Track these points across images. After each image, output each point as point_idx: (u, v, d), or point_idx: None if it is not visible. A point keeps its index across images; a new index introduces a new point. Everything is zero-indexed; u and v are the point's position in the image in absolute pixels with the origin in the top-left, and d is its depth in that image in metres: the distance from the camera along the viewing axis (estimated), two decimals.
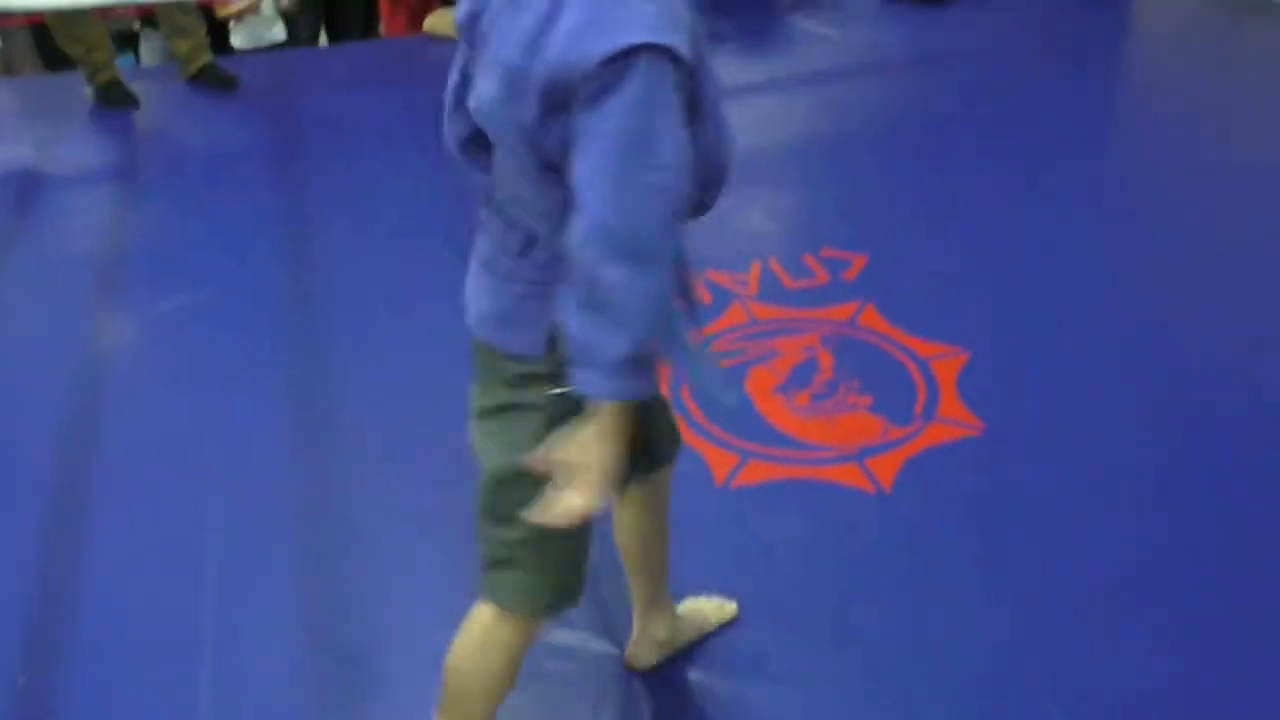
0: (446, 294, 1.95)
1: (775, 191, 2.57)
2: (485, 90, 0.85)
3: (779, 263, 2.24)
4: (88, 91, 3.02)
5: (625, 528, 1.25)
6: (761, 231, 2.39)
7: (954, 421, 1.80)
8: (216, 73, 3.12)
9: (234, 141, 2.91)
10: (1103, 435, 1.78)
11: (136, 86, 3.04)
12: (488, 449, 0.99)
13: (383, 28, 3.85)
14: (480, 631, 1.05)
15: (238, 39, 3.74)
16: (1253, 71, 3.18)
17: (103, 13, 3.07)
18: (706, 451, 1.75)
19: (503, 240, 0.93)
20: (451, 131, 0.99)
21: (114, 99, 3.02)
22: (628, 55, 0.74)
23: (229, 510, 1.63)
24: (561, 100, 0.77)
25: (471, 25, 0.87)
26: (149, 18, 3.54)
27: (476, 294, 0.98)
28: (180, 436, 1.79)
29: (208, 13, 3.40)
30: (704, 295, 2.11)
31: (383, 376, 1.92)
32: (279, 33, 3.87)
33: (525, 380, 0.94)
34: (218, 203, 2.54)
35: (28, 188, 2.62)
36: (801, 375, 1.93)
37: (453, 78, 0.96)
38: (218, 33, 3.78)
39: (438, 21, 3.43)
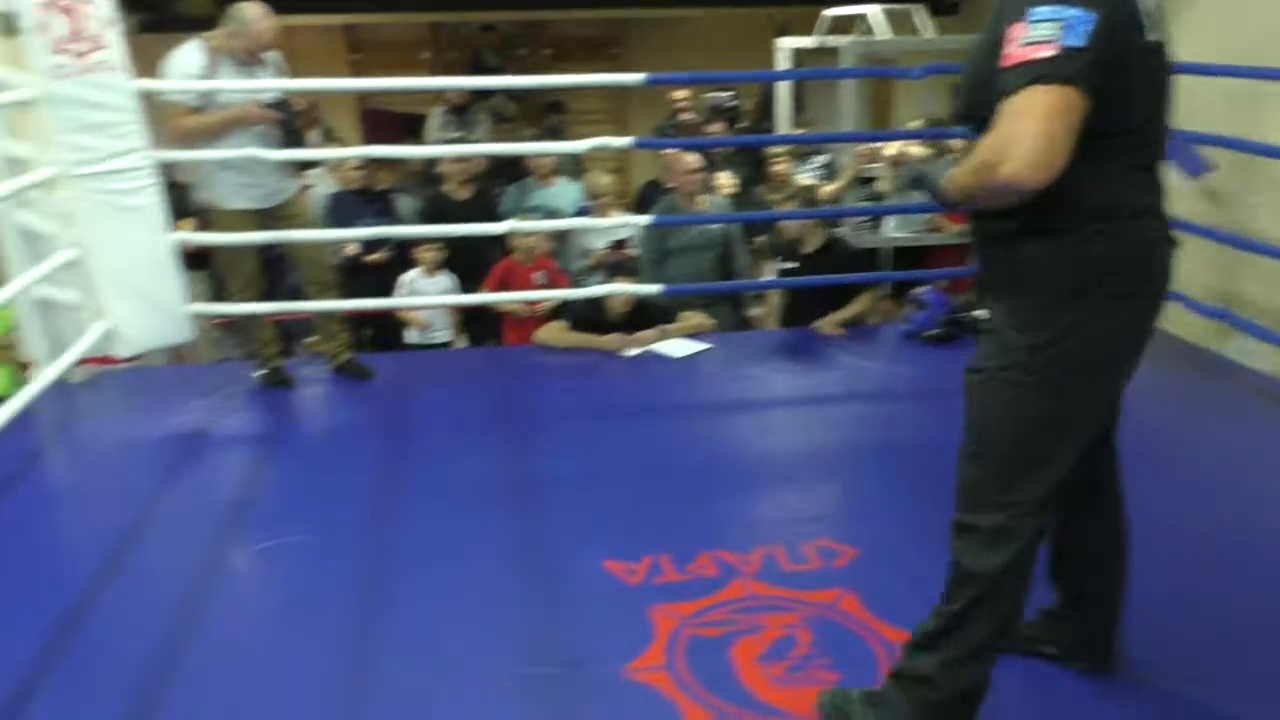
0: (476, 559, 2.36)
1: (796, 487, 2.96)
2: None
3: (783, 548, 2.57)
4: (255, 375, 3.75)
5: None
6: (775, 520, 2.75)
7: None
8: (355, 365, 3.83)
9: (357, 420, 3.54)
10: None
11: (294, 374, 3.77)
12: None
13: (504, 338, 4.63)
14: None
15: (411, 337, 4.65)
16: (1216, 425, 3.40)
17: (274, 318, 3.84)
18: (686, 707, 2.03)
19: None
20: None
21: (275, 382, 3.74)
22: None
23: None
24: None
25: None
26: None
27: None
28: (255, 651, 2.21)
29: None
30: (712, 570, 2.48)
31: (414, 624, 2.30)
32: (443, 335, 4.79)
33: None
34: (330, 466, 3.11)
35: (193, 446, 3.26)
36: (781, 648, 2.20)
37: None
38: (393, 331, 4.72)
39: (546, 334, 4.11)
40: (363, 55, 9.81)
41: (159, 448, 3.23)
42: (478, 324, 5.28)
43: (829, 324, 4.18)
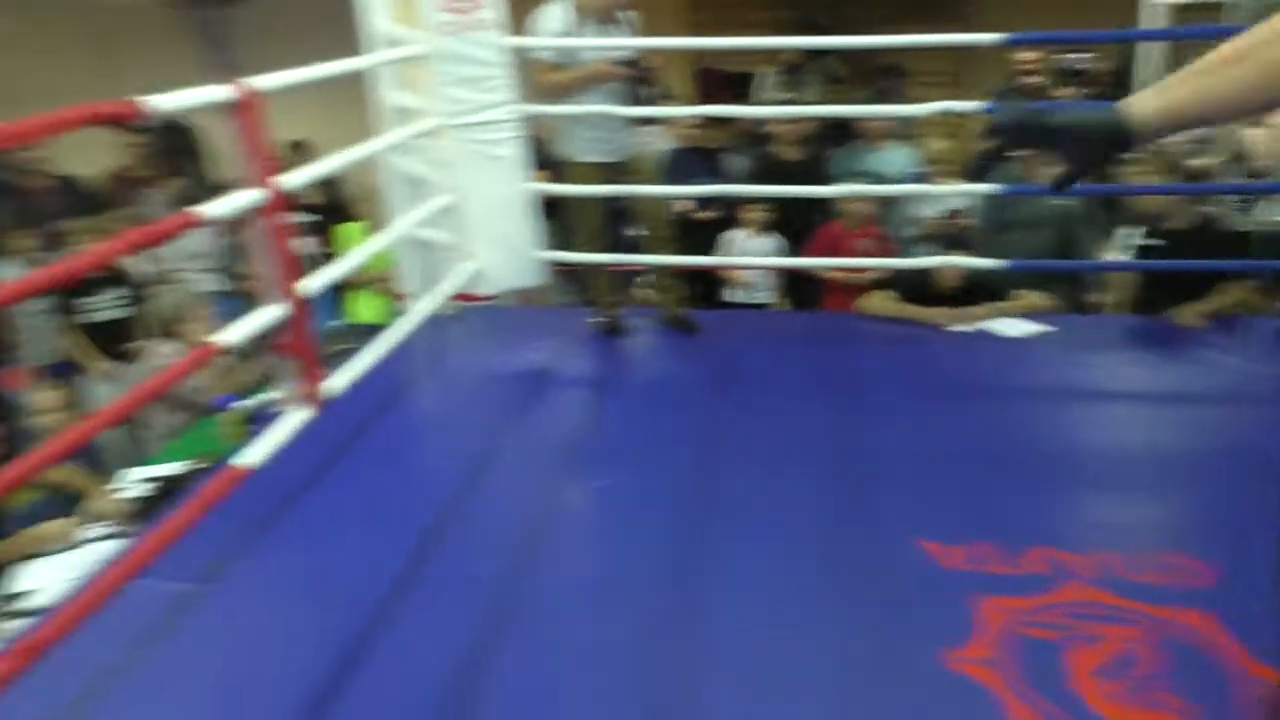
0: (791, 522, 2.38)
1: (1140, 490, 2.74)
2: None
3: (1126, 555, 2.39)
4: (592, 321, 3.98)
5: None
6: (1116, 523, 2.55)
7: None
8: (684, 319, 3.96)
9: (683, 372, 3.67)
10: None
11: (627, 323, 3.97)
12: None
13: (826, 303, 4.60)
14: None
15: (733, 295, 4.77)
16: None
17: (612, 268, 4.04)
18: (1013, 706, 1.95)
19: None
20: None
21: (610, 329, 3.96)
22: None
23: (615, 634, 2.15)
24: None
25: None
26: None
27: None
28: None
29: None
30: (1043, 567, 2.35)
31: (732, 580, 2.37)
32: (765, 296, 4.88)
33: None
34: (657, 414, 3.26)
35: (539, 383, 3.52)
36: (1121, 665, 2.05)
37: None
38: (714, 287, 4.86)
39: (868, 302, 4.04)
40: (703, 15, 10.00)
41: (511, 382, 3.52)
42: (801, 288, 5.29)
43: (1190, 314, 3.79)
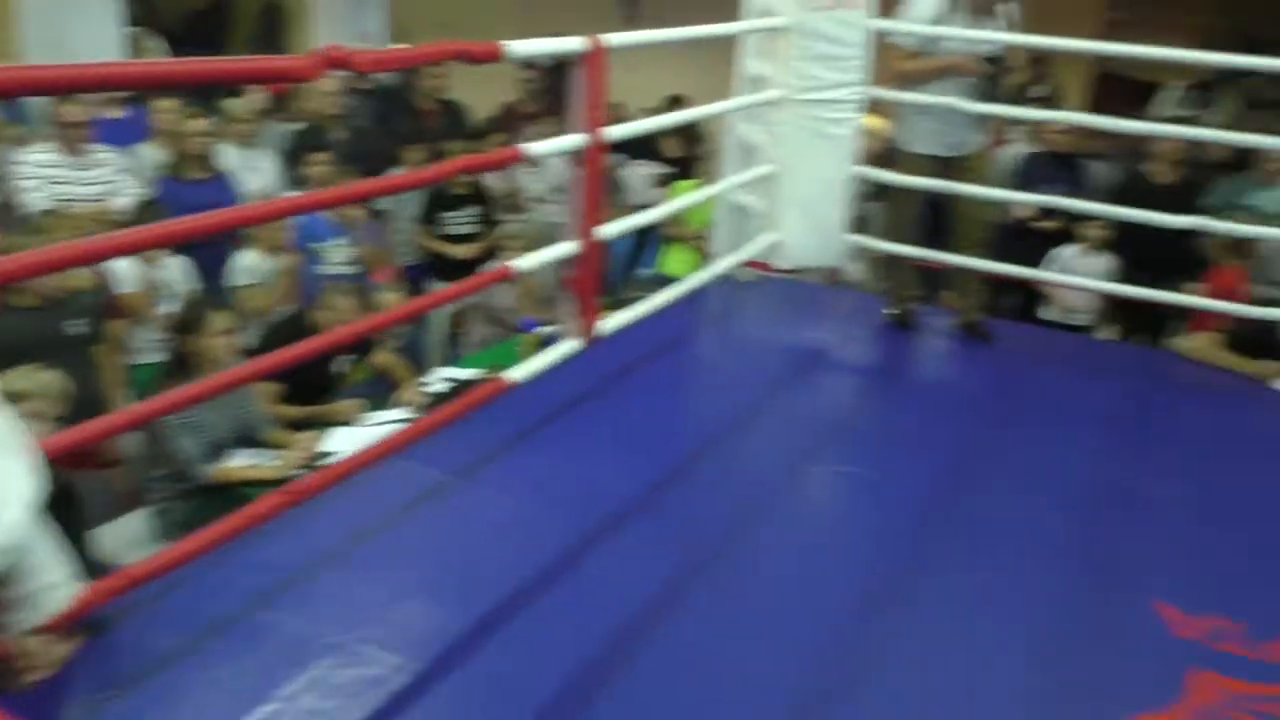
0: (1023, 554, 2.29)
1: None
2: None
3: None
4: (886, 312, 3.97)
5: None
6: None
7: None
8: (980, 327, 3.83)
9: (962, 379, 3.62)
10: None
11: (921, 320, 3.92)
12: None
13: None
14: None
15: (1046, 314, 4.55)
16: None
17: (917, 264, 3.98)
18: None
19: None
20: None
21: (902, 323, 3.92)
22: None
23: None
24: None
25: None
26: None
27: None
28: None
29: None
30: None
31: (933, 592, 2.33)
32: (1084, 319, 4.60)
33: None
34: (921, 415, 3.21)
35: (812, 361, 3.60)
36: None
37: None
38: (1031, 300, 4.66)
39: (1194, 344, 3.67)
40: (1122, 14, 9.25)
41: (787, 353, 3.63)
42: (1136, 317, 4.88)
43: None
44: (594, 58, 2.65)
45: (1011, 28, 3.60)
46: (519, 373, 2.60)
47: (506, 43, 2.38)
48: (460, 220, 4.82)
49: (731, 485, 2.74)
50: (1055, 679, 2.05)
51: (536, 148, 2.63)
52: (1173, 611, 2.26)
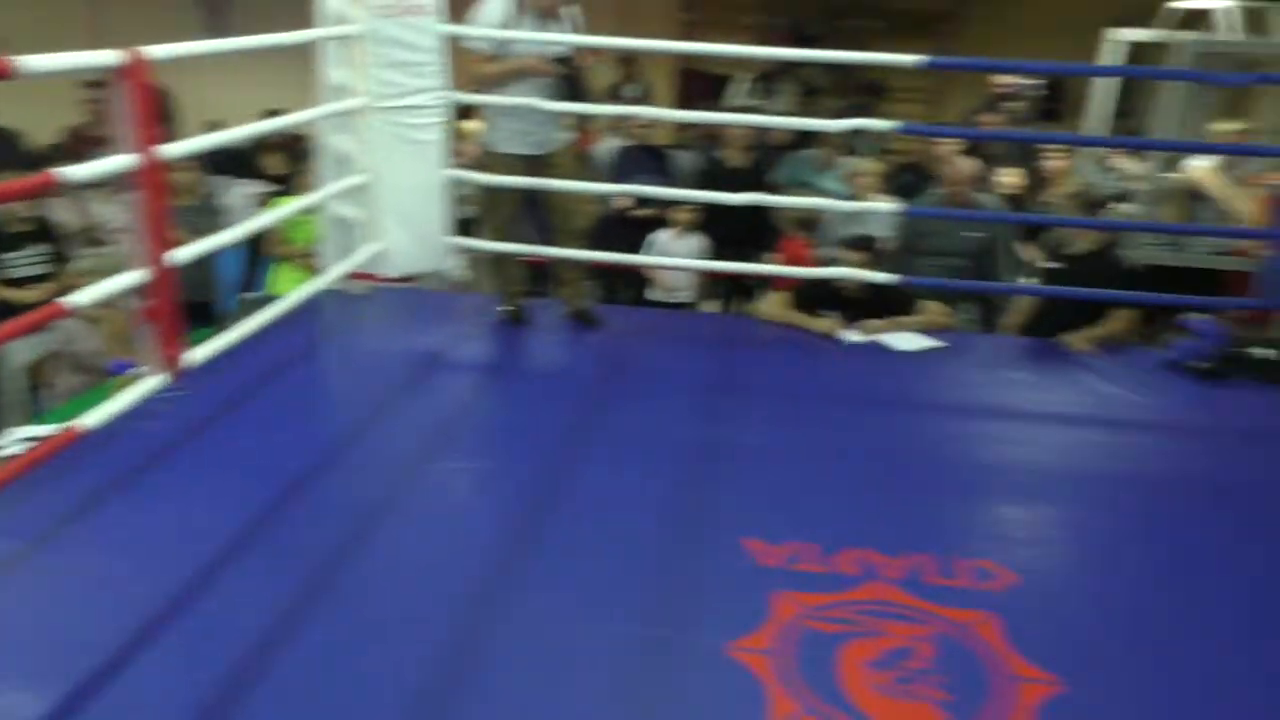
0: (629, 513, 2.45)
1: (980, 501, 2.84)
2: None
3: (933, 558, 2.47)
4: (499, 310, 4.07)
5: None
6: (938, 529, 2.63)
7: None
8: (588, 314, 4.05)
9: (573, 365, 3.79)
10: None
11: (532, 314, 4.05)
12: None
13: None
14: None
15: (652, 295, 4.90)
16: None
17: (524, 261, 4.12)
18: (776, 694, 2.03)
19: None
20: None
21: (514, 319, 4.04)
22: None
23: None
24: None
25: None
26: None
27: None
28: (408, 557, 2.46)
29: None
30: (853, 568, 2.44)
31: (547, 566, 2.44)
32: (686, 296, 4.99)
33: None
34: (534, 405, 3.33)
35: (427, 366, 3.61)
36: (895, 657, 2.14)
37: None
38: (640, 285, 4.99)
39: (766, 307, 4.11)
40: (694, 15, 10.08)
41: (401, 362, 3.61)
42: (733, 289, 5.38)
43: (1081, 339, 3.87)
44: (133, 71, 2.47)
45: (577, 30, 3.81)
46: (92, 419, 2.38)
47: (20, 58, 2.15)
48: (24, 261, 4.32)
49: (350, 499, 2.69)
50: (659, 624, 2.22)
51: (76, 172, 2.40)
52: (758, 544, 2.52)
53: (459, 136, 5.00)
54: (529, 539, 2.53)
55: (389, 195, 3.83)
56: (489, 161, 3.91)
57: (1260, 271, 3.77)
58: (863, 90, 9.24)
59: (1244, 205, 4.32)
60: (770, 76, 8.62)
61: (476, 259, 4.60)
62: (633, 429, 3.16)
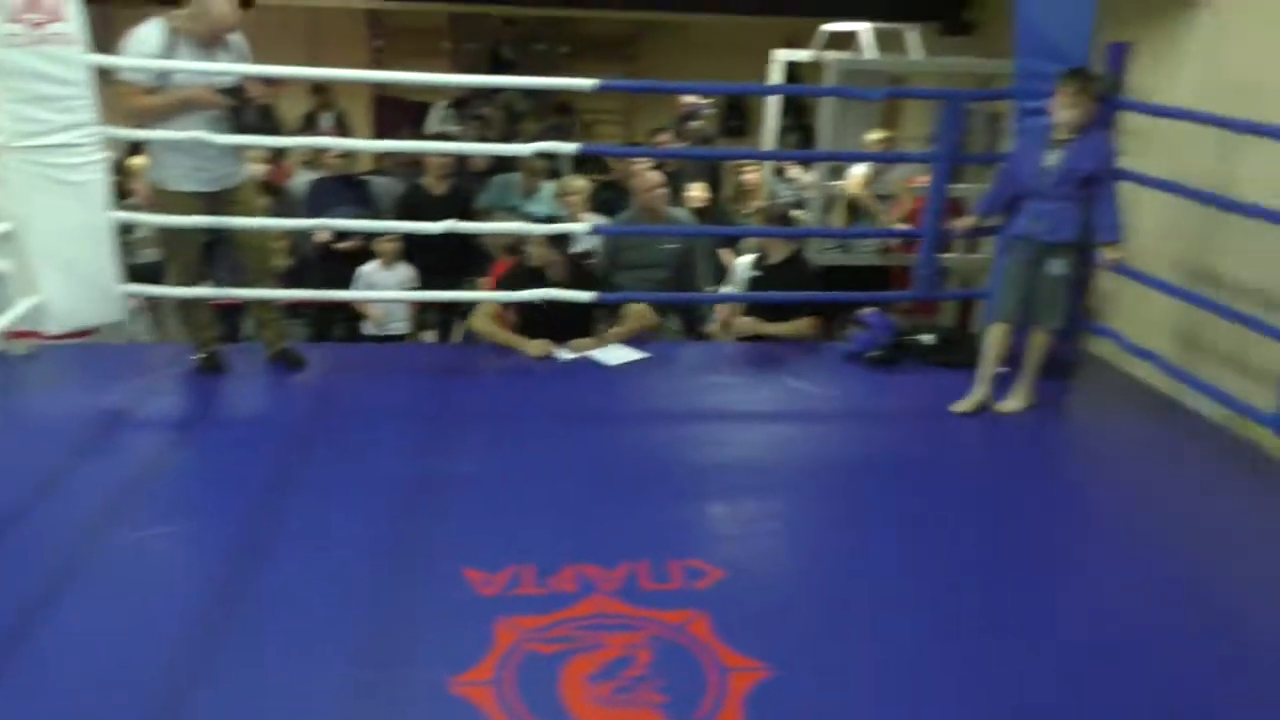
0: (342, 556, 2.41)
1: (687, 503, 2.97)
2: None
3: (648, 565, 2.56)
4: (192, 359, 3.79)
5: None
6: (650, 535, 2.73)
7: None
8: (290, 354, 3.86)
9: (275, 410, 3.62)
10: None
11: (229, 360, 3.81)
12: None
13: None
14: None
15: (367, 329, 4.75)
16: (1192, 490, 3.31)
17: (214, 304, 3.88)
18: (491, 711, 2.02)
19: None
20: None
21: (209, 367, 3.78)
22: None
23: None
24: None
25: None
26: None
27: None
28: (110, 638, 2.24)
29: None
30: (570, 585, 2.47)
31: (256, 619, 2.32)
32: (400, 328, 4.87)
33: None
34: (233, 456, 3.14)
35: (111, 426, 3.30)
36: (615, 668, 2.19)
37: None
38: (354, 321, 4.82)
39: (478, 323, 4.10)
40: (384, 42, 9.91)
41: (77, 424, 3.28)
42: (448, 316, 5.32)
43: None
44: None
45: (243, 59, 3.62)
46: None
47: None
48: None
49: (17, 578, 2.41)
50: (375, 665, 2.16)
51: None
52: (477, 573, 2.51)
53: (128, 175, 4.64)
54: (231, 596, 2.39)
55: (40, 242, 3.43)
56: (162, 201, 3.63)
57: (915, 266, 4.20)
58: (559, 112, 9.48)
59: (879, 209, 4.91)
60: (467, 101, 8.63)
61: (164, 306, 4.27)
62: (343, 468, 3.05)
